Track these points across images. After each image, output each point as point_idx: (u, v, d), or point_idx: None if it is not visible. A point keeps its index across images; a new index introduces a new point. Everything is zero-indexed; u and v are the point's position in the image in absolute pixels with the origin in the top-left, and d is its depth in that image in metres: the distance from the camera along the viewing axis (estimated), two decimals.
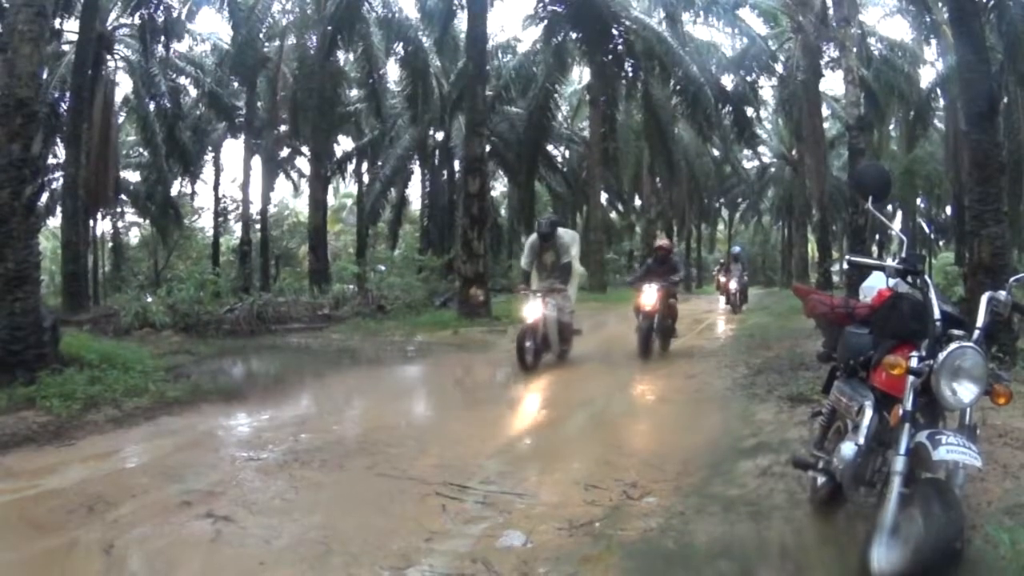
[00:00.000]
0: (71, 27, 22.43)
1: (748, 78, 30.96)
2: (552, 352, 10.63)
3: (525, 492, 4.74)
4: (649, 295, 10.97)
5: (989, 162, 9.56)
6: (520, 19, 53.30)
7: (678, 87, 28.53)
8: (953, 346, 3.13)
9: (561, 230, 11.42)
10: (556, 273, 11.04)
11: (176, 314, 14.56)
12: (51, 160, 27.35)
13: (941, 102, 30.77)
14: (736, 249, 25.85)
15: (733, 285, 21.96)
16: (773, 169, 48.26)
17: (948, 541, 2.76)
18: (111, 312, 16.22)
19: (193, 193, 41.82)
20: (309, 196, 28.57)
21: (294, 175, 42.20)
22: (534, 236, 11.41)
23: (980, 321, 3.30)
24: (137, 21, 23.44)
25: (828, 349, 4.37)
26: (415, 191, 38.87)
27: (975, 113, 9.81)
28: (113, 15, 24.59)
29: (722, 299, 23.55)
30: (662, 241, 12.81)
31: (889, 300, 3.71)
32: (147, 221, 39.87)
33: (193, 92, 30.91)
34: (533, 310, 10.29)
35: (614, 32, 26.73)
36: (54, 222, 32.43)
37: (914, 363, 3.19)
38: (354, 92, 32.68)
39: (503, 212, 43.48)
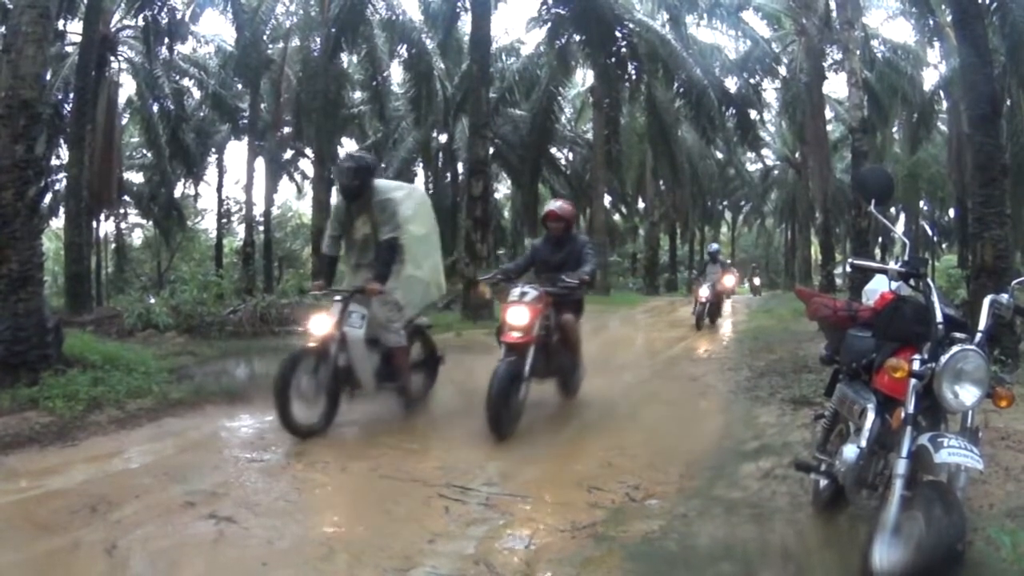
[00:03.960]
0: (75, 29, 22.50)
1: (751, 80, 30.95)
2: (363, 390, 6.69)
3: (528, 494, 4.74)
4: (516, 313, 6.57)
5: (992, 165, 9.56)
6: (524, 22, 53.41)
7: (681, 89, 28.50)
8: (955, 349, 3.13)
9: (383, 183, 7.30)
10: (371, 259, 6.94)
11: (179, 315, 14.54)
12: (54, 161, 27.39)
13: (944, 105, 30.69)
14: (713, 247, 20.76)
15: (704, 293, 16.47)
16: (776, 172, 48.22)
17: (950, 543, 2.77)
18: (114, 313, 16.21)
19: (196, 195, 42.05)
20: (312, 198, 28.64)
21: (297, 177, 42.34)
22: (339, 198, 7.34)
23: (982, 324, 3.31)
24: (141, 23, 23.43)
25: (831, 352, 4.37)
26: None
27: (978, 116, 9.81)
28: (117, 17, 24.60)
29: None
30: (554, 205, 7.92)
31: (892, 303, 3.71)
32: (150, 222, 39.98)
33: (197, 94, 30.91)
34: (319, 325, 6.40)
35: (618, 35, 26.68)
36: (57, 223, 32.45)
37: (916, 366, 3.20)
38: (358, 94, 32.72)
39: (507, 214, 43.53)
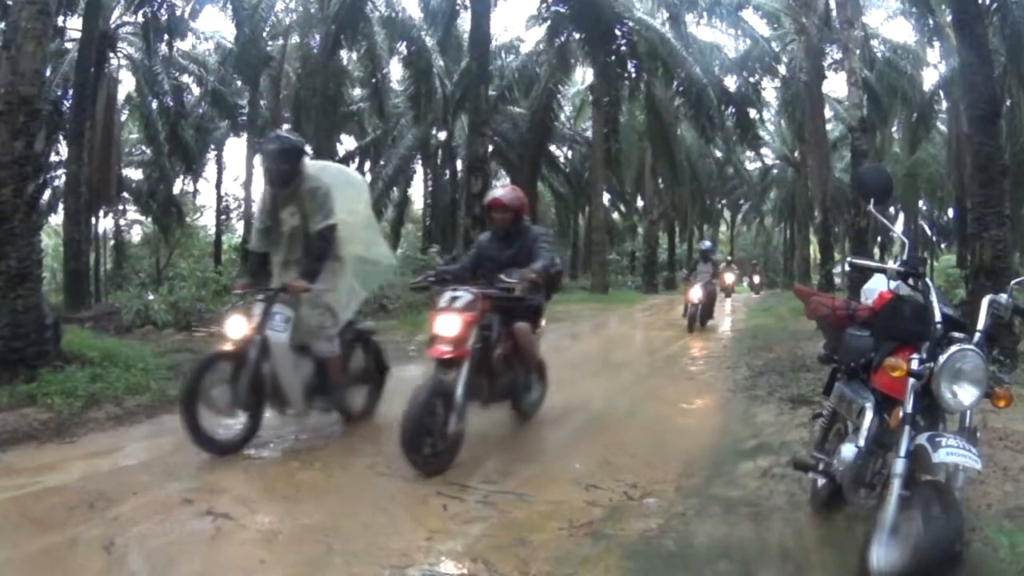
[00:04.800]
0: (74, 25, 22.53)
1: (751, 79, 31.01)
2: (291, 409, 5.86)
3: (526, 492, 4.74)
4: (445, 323, 5.42)
5: (991, 165, 9.57)
6: (523, 19, 53.43)
7: (681, 88, 28.53)
8: (954, 348, 3.13)
9: (315, 166, 6.38)
10: (301, 254, 6.07)
11: (178, 312, 14.54)
12: (54, 157, 27.37)
13: (944, 104, 30.76)
14: (706, 244, 19.39)
15: (695, 294, 15.57)
16: (775, 171, 48.26)
17: (948, 543, 2.77)
18: (113, 310, 16.20)
19: (195, 191, 41.97)
20: None
21: None
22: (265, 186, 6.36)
23: (981, 324, 3.31)
24: (140, 19, 23.50)
25: (829, 351, 4.37)
26: (418, 191, 39.04)
27: (977, 116, 9.81)
28: (116, 13, 24.60)
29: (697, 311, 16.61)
30: (498, 192, 6.60)
31: (890, 302, 3.71)
32: (149, 219, 39.89)
33: (196, 90, 30.93)
34: (235, 327, 5.63)
35: (617, 33, 26.73)
36: (56, 219, 32.41)
37: (915, 365, 3.20)
38: (357, 91, 32.77)
39: None
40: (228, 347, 5.61)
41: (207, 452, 5.26)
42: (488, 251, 6.43)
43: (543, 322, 6.57)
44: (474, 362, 5.44)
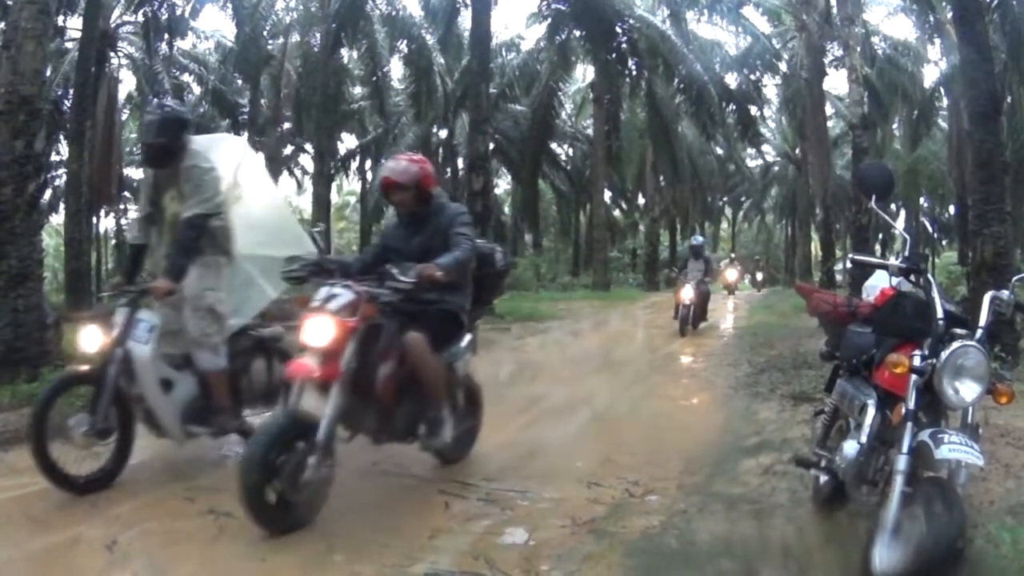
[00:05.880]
0: (74, 24, 22.51)
1: (752, 76, 31.04)
2: (169, 436, 4.99)
3: (528, 489, 4.74)
4: (315, 328, 4.22)
5: (992, 161, 9.57)
6: (524, 17, 53.39)
7: (682, 85, 28.49)
8: (956, 345, 3.13)
9: (202, 141, 5.33)
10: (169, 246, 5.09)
11: None
12: (54, 157, 27.35)
13: (944, 101, 30.74)
14: (697, 240, 17.68)
15: (686, 294, 14.23)
16: (777, 168, 48.26)
17: (950, 540, 2.76)
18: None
19: None
20: (312, 194, 28.64)
21: (297, 173, 42.24)
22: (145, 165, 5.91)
23: (983, 320, 3.30)
24: (140, 19, 23.48)
25: (831, 348, 4.37)
26: None
27: (978, 112, 9.81)
28: (116, 12, 24.56)
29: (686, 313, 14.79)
30: (388, 167, 5.08)
31: (892, 299, 3.71)
32: None
33: (196, 89, 30.87)
34: (89, 340, 4.81)
35: (618, 30, 26.72)
36: (57, 219, 32.47)
37: (917, 362, 3.19)
38: (358, 90, 32.74)
39: (507, 210, 43.51)
40: (83, 367, 4.82)
41: (66, 492, 4.45)
42: (392, 240, 5.04)
43: (469, 336, 5.12)
44: (349, 385, 4.16)
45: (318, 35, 27.25)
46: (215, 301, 5.04)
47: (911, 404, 3.16)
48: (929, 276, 3.46)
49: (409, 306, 4.47)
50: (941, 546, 2.77)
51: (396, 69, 30.70)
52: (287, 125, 32.72)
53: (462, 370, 5.03)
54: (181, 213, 4.95)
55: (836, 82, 34.54)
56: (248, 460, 3.79)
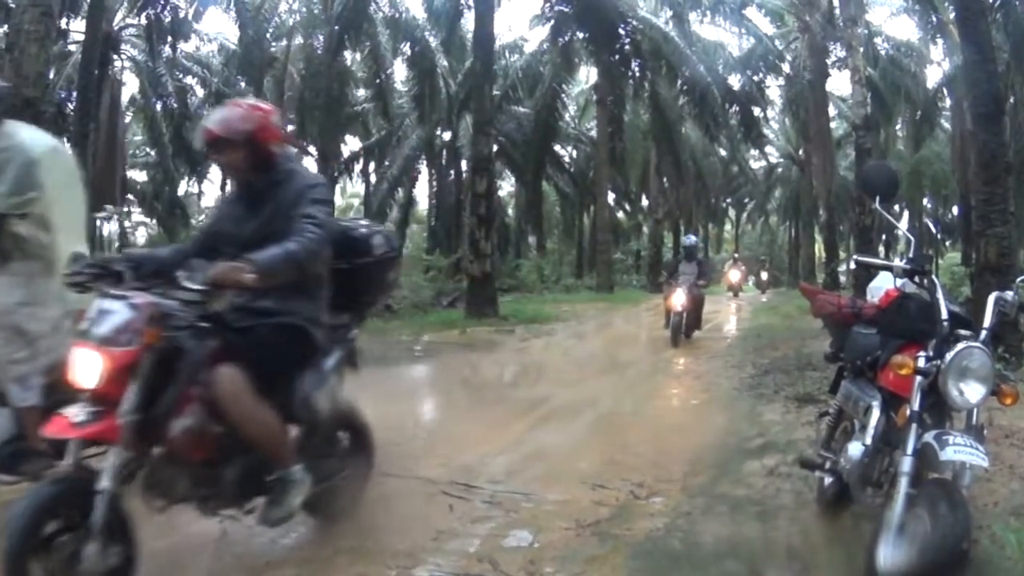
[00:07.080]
0: (77, 27, 22.55)
1: (755, 78, 31.02)
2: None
3: (532, 491, 4.74)
4: (81, 364, 2.87)
5: (995, 162, 9.56)
6: (527, 19, 53.21)
7: (685, 87, 28.51)
8: (960, 346, 3.12)
9: (31, 130, 4.65)
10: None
11: None
12: None
13: (947, 102, 30.74)
14: (690, 240, 16.43)
15: (678, 300, 12.76)
16: (780, 169, 48.23)
17: (955, 541, 2.76)
18: None
19: (200, 193, 41.98)
20: None
21: None
22: None
23: (987, 321, 3.30)
24: (144, 21, 23.53)
25: (835, 349, 4.36)
26: (422, 191, 38.95)
27: (981, 113, 9.81)
28: (120, 15, 24.65)
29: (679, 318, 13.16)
30: (211, 119, 3.50)
31: (896, 300, 3.70)
32: (154, 221, 39.94)
33: (200, 92, 30.94)
34: None
35: (621, 32, 26.70)
36: None
37: (921, 363, 3.18)
38: (361, 92, 32.74)
39: (510, 212, 43.49)
40: None
41: None
42: (224, 222, 3.63)
43: (336, 355, 3.68)
44: (135, 443, 2.94)
45: (321, 37, 27.23)
46: (23, 319, 3.98)
47: (915, 405, 3.15)
48: (933, 277, 3.46)
49: (241, 318, 3.25)
50: (946, 547, 2.76)
51: (400, 71, 30.78)
52: (290, 127, 32.69)
53: (325, 403, 3.51)
54: None
55: (839, 83, 34.51)
56: (11, 528, 2.60)
